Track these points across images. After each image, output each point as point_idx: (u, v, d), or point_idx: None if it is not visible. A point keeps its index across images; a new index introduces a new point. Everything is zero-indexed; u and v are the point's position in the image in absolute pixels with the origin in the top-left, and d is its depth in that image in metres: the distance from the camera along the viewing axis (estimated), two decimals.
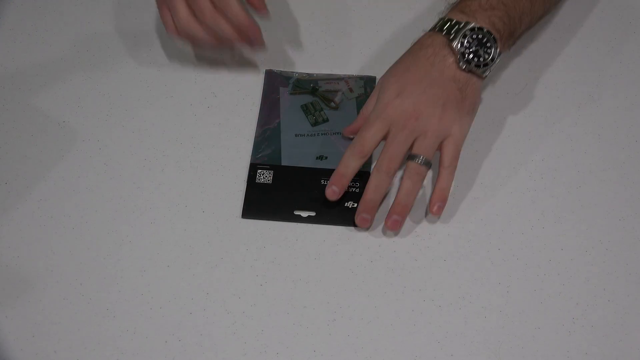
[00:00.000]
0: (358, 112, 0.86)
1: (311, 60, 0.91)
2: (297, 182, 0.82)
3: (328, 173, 0.80)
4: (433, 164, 0.78)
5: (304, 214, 0.80)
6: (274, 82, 0.88)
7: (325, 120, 0.86)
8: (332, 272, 0.77)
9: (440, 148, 0.78)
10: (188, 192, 0.82)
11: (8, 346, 0.72)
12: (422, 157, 0.76)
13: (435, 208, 0.78)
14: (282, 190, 0.81)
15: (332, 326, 0.74)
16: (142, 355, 0.72)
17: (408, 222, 0.80)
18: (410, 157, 0.77)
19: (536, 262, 0.77)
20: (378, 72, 0.87)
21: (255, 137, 0.85)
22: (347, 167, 0.77)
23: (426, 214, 0.80)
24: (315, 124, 0.86)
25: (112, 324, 0.74)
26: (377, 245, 0.78)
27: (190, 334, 0.73)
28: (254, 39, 0.82)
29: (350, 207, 0.79)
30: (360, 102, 0.87)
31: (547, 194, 0.82)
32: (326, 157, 0.83)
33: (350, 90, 0.88)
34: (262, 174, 0.82)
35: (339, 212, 0.79)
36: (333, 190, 0.78)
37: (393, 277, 0.76)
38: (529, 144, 0.85)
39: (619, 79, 0.90)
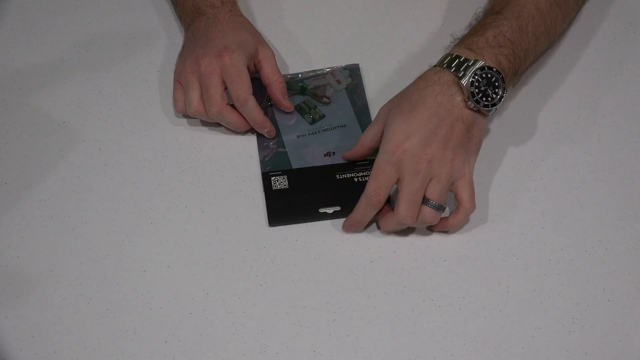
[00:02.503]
0: (350, 102, 0.87)
1: (292, 60, 0.91)
2: (313, 181, 0.82)
3: (341, 167, 0.82)
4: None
5: (330, 210, 0.80)
6: (262, 89, 0.87)
7: (322, 117, 0.86)
8: (332, 272, 0.77)
9: (454, 189, 0.76)
10: (188, 192, 0.82)
11: (8, 346, 0.72)
12: (436, 203, 0.75)
13: (441, 229, 0.79)
14: (301, 192, 0.81)
15: (332, 326, 0.74)
16: (142, 355, 0.72)
17: None
18: (424, 201, 0.75)
19: (536, 262, 0.77)
20: (359, 59, 0.89)
21: (259, 146, 0.85)
22: (364, 216, 0.77)
23: None
24: (313, 122, 0.86)
25: (112, 324, 0.74)
26: (377, 246, 0.78)
27: (190, 334, 0.73)
28: (266, 133, 0.84)
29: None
30: (350, 92, 0.88)
31: (547, 194, 0.82)
32: (334, 153, 0.84)
33: (338, 82, 0.89)
34: (277, 180, 0.82)
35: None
36: (349, 230, 0.79)
37: (393, 277, 0.76)
38: (529, 144, 0.85)
39: (619, 79, 0.90)
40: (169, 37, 0.93)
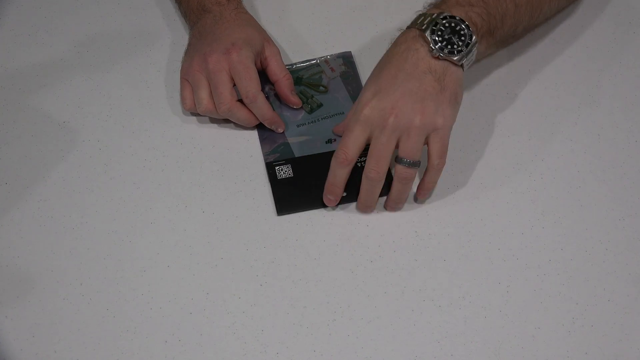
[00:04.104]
0: (346, 89, 0.88)
1: (283, 51, 0.90)
2: (317, 169, 0.82)
3: None
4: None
5: None
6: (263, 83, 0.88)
7: (320, 105, 0.87)
8: (332, 272, 0.77)
9: (427, 143, 0.76)
10: (188, 192, 0.82)
11: (8, 346, 0.72)
12: (409, 160, 0.75)
13: (419, 197, 0.80)
14: (307, 180, 0.82)
15: (332, 326, 0.74)
16: (142, 355, 0.72)
17: (408, 222, 0.80)
18: (396, 159, 0.76)
19: (536, 262, 0.77)
20: (352, 47, 0.90)
21: (260, 138, 0.85)
22: (336, 176, 0.78)
23: (427, 213, 0.80)
24: (311, 111, 0.87)
25: (112, 324, 0.74)
26: (377, 245, 0.78)
27: (190, 334, 0.73)
28: (275, 129, 0.85)
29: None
30: (345, 79, 0.89)
31: (547, 194, 0.82)
32: (335, 140, 0.84)
33: (332, 70, 0.89)
34: (282, 170, 0.82)
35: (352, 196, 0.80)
36: (329, 199, 0.79)
37: (393, 277, 0.76)
38: (529, 144, 0.85)
39: (619, 79, 0.90)
40: (169, 36, 0.93)
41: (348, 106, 0.87)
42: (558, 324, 0.74)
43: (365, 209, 0.80)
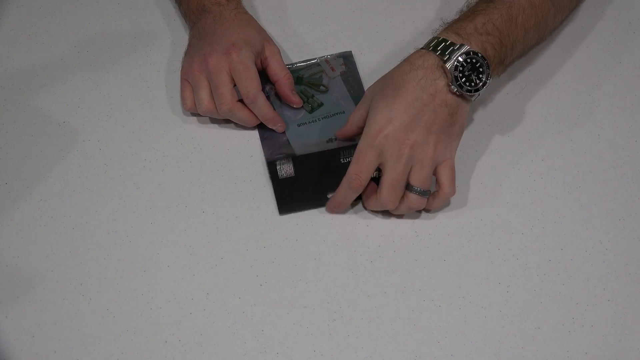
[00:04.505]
0: (346, 89, 0.88)
1: (284, 51, 0.90)
2: (318, 167, 0.82)
3: (345, 150, 0.83)
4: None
5: None
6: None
7: (321, 105, 0.87)
8: (332, 272, 0.77)
9: (435, 173, 0.77)
10: (188, 192, 0.82)
11: (8, 346, 0.72)
12: (421, 189, 0.76)
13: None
14: (308, 178, 0.82)
15: (332, 326, 0.74)
16: (142, 355, 0.72)
17: (408, 222, 0.80)
18: (408, 187, 0.76)
19: (536, 262, 0.77)
20: (352, 47, 0.90)
21: (261, 137, 0.85)
22: (345, 198, 0.78)
23: (427, 213, 0.80)
24: (312, 110, 0.87)
25: (112, 324, 0.74)
26: (377, 245, 0.78)
27: (190, 334, 0.73)
28: (276, 129, 0.85)
29: (377, 176, 0.79)
30: (345, 78, 0.89)
31: (547, 194, 0.82)
32: (335, 138, 0.84)
33: (332, 69, 0.90)
34: (283, 169, 0.82)
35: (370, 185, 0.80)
36: (333, 210, 0.80)
37: (393, 277, 0.76)
38: (529, 144, 0.85)
39: (619, 79, 0.90)
40: (169, 36, 0.93)
41: (348, 105, 0.87)
42: (558, 324, 0.74)
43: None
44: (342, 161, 0.83)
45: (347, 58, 0.91)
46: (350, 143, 0.84)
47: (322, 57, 0.91)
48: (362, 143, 0.76)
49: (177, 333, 0.73)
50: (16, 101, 0.88)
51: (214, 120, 0.86)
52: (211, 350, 0.72)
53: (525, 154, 0.84)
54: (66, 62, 0.91)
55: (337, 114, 0.86)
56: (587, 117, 0.87)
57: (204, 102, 0.83)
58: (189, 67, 0.84)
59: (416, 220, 0.80)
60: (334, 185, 0.81)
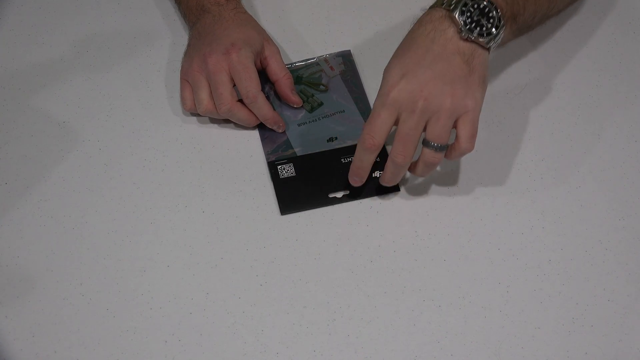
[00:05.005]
0: (347, 88, 0.88)
1: (284, 51, 0.90)
2: (319, 167, 0.83)
3: (345, 150, 0.83)
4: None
5: (339, 194, 0.81)
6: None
7: (321, 104, 0.87)
8: (332, 272, 0.77)
9: (455, 125, 0.73)
10: (188, 192, 0.82)
11: (8, 346, 0.72)
12: (437, 144, 0.73)
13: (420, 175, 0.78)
14: (309, 178, 0.82)
15: (332, 326, 0.74)
16: (142, 355, 0.72)
17: (408, 222, 0.80)
18: (424, 142, 0.74)
19: (536, 262, 0.77)
20: (352, 46, 0.90)
21: (261, 138, 0.85)
22: (362, 161, 0.76)
23: (427, 213, 0.80)
24: (311, 110, 0.87)
25: (112, 324, 0.74)
26: (377, 245, 0.78)
27: (190, 334, 0.73)
28: (276, 128, 0.85)
29: (379, 176, 0.80)
30: (345, 78, 0.89)
31: (547, 194, 0.82)
32: (336, 138, 0.84)
33: (332, 68, 0.90)
34: (284, 169, 0.82)
35: (371, 184, 0.80)
36: (355, 180, 0.78)
37: (393, 277, 0.76)
38: (529, 144, 0.85)
39: (619, 79, 0.90)
40: (169, 36, 0.93)
41: (348, 104, 0.87)
42: (558, 324, 0.74)
43: (389, 185, 0.79)
44: (343, 161, 0.83)
45: (346, 57, 0.91)
46: (352, 143, 0.84)
47: (321, 56, 0.91)
48: (376, 103, 0.74)
49: (177, 333, 0.73)
50: (16, 101, 0.88)
51: (214, 120, 0.86)
52: (211, 350, 0.72)
53: (525, 154, 0.84)
54: (66, 62, 0.91)
55: (337, 113, 0.87)
56: (587, 117, 0.87)
57: (203, 102, 0.82)
58: (189, 67, 0.84)
59: (416, 221, 0.80)
60: (335, 185, 0.81)
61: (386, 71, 0.75)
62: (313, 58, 0.91)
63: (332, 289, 0.76)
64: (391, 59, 0.76)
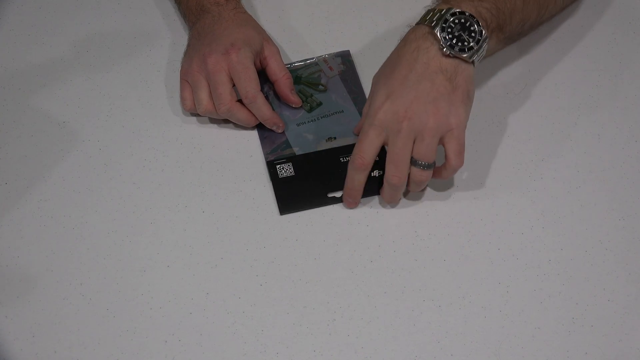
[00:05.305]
0: (345, 88, 0.88)
1: (283, 51, 0.90)
2: (318, 167, 0.83)
3: (344, 150, 0.83)
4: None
5: (338, 194, 0.81)
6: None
7: (319, 104, 0.87)
8: (332, 272, 0.77)
9: (442, 143, 0.76)
10: (188, 192, 0.82)
11: (8, 346, 0.72)
12: (424, 162, 0.75)
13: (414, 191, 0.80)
14: (308, 178, 0.82)
15: (332, 326, 0.74)
16: (142, 355, 0.72)
17: (408, 222, 0.80)
18: (412, 161, 0.76)
19: (536, 262, 0.77)
20: (351, 46, 0.90)
21: (260, 137, 0.85)
22: (354, 181, 0.78)
23: (427, 213, 0.80)
24: (310, 110, 0.87)
25: (112, 324, 0.74)
26: (377, 245, 0.78)
27: (190, 334, 0.73)
28: (275, 129, 0.85)
29: (377, 175, 0.80)
30: (343, 78, 0.89)
31: (547, 194, 0.82)
32: (335, 138, 0.84)
33: (330, 68, 0.90)
34: (283, 168, 0.82)
35: (369, 184, 0.80)
36: (349, 202, 0.80)
37: (393, 277, 0.76)
38: (529, 144, 0.85)
39: (619, 79, 0.90)
40: (169, 36, 0.93)
41: (347, 104, 0.87)
42: (558, 324, 0.74)
43: (391, 203, 0.80)
44: (342, 160, 0.83)
45: (345, 57, 0.91)
46: (350, 142, 0.84)
47: (320, 56, 0.91)
48: (365, 123, 0.76)
49: (177, 333, 0.73)
50: (16, 101, 0.88)
51: (213, 120, 0.86)
52: (211, 350, 0.72)
53: (525, 154, 0.84)
54: (66, 62, 0.91)
55: (336, 113, 0.87)
56: (587, 117, 0.87)
57: (203, 103, 0.83)
58: (188, 67, 0.84)
59: (416, 220, 0.80)
60: (334, 184, 0.81)
61: (374, 90, 0.77)
62: (312, 58, 0.91)
63: (332, 289, 0.76)
64: (378, 75, 0.78)
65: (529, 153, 0.84)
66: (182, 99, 0.85)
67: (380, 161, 0.78)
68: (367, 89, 0.88)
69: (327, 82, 0.89)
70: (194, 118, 0.87)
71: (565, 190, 0.82)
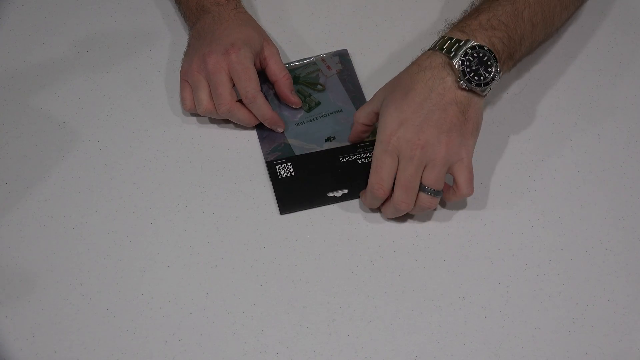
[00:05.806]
0: (343, 87, 0.88)
1: (283, 51, 0.91)
2: (317, 166, 0.83)
3: (343, 150, 0.83)
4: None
5: (338, 193, 0.81)
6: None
7: (318, 104, 0.87)
8: (332, 272, 0.77)
9: (451, 172, 0.77)
10: (188, 192, 0.82)
11: (8, 346, 0.72)
12: (433, 189, 0.76)
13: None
14: (308, 178, 0.82)
15: (332, 326, 0.74)
16: (142, 355, 0.72)
17: (408, 222, 0.80)
18: (420, 187, 0.76)
19: (536, 262, 0.77)
20: (351, 46, 0.91)
21: (259, 137, 0.85)
22: (373, 205, 0.79)
23: (427, 213, 0.80)
24: (309, 109, 0.87)
25: (112, 324, 0.74)
26: (377, 246, 0.78)
27: (190, 334, 0.73)
28: (275, 129, 0.85)
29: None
30: (342, 77, 0.89)
31: (547, 194, 0.82)
32: (334, 138, 0.85)
33: (328, 68, 0.90)
34: (282, 168, 0.82)
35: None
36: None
37: (393, 277, 0.76)
38: (529, 144, 0.85)
39: (619, 79, 0.90)
40: (169, 36, 0.93)
41: (346, 104, 0.87)
42: (558, 324, 0.74)
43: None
44: (342, 160, 0.83)
45: (343, 56, 0.91)
46: (350, 142, 0.84)
47: (318, 55, 0.91)
48: (377, 150, 0.76)
49: (177, 333, 0.73)
50: (16, 101, 0.88)
51: (213, 121, 0.86)
52: (211, 350, 0.72)
53: (525, 154, 0.84)
54: (66, 62, 0.91)
55: (334, 112, 0.87)
56: (587, 117, 0.87)
57: (203, 103, 0.83)
58: (189, 67, 0.84)
59: (416, 220, 0.80)
60: (334, 184, 0.81)
61: (384, 113, 0.76)
62: (310, 57, 0.91)
63: (332, 289, 0.76)
64: (388, 97, 0.77)
65: (529, 153, 0.84)
66: (182, 99, 0.85)
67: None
68: (365, 88, 0.88)
69: (326, 81, 0.89)
70: (194, 118, 0.87)
71: (565, 190, 0.82)
